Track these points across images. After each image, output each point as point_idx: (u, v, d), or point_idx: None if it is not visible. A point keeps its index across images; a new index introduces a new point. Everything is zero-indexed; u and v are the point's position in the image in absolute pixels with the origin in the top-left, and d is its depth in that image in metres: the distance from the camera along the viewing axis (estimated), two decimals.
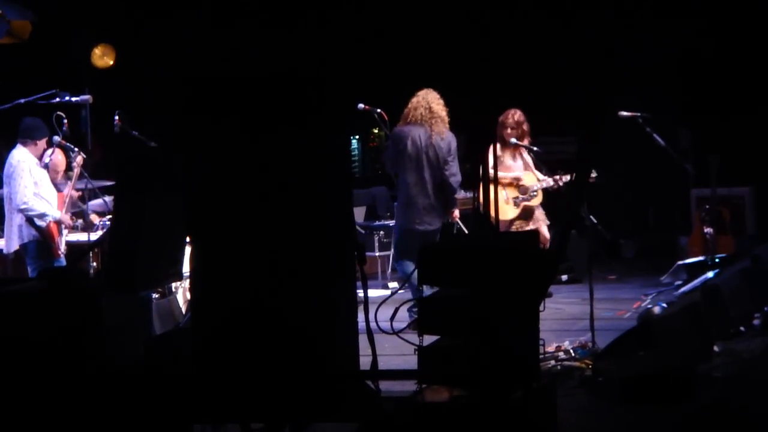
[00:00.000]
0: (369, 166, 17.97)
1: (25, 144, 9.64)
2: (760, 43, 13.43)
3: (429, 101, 9.94)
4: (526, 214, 10.65)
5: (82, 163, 9.75)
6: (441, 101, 9.99)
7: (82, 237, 9.91)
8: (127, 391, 5.79)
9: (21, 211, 9.44)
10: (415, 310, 9.30)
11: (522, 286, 5.87)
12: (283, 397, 5.63)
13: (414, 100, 10.01)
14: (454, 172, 9.90)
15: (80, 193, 10.03)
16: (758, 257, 9.20)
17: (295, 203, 5.65)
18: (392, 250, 11.21)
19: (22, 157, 9.57)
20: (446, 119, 9.96)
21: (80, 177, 9.82)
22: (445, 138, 9.88)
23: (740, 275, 9.03)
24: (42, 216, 9.45)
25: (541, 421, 5.93)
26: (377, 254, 13.17)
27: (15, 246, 9.59)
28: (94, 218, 10.19)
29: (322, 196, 5.67)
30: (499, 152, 10.27)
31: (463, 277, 5.90)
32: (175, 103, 6.01)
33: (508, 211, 10.48)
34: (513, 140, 10.51)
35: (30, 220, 9.46)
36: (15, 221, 9.54)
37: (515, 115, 10.55)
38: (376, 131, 16.93)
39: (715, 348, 8.03)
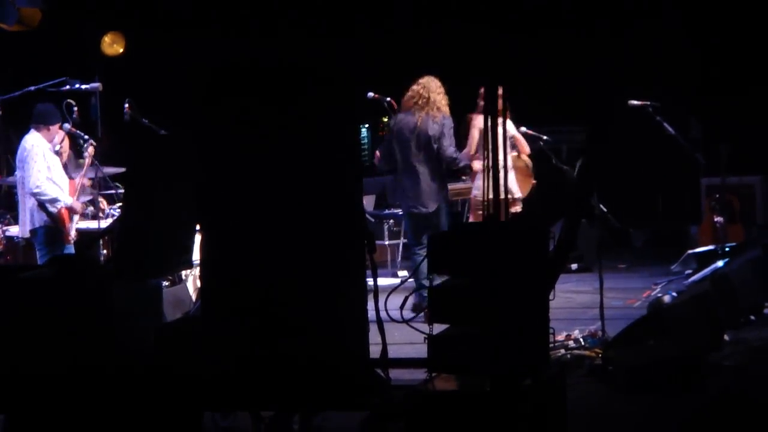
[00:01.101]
0: None
1: (38, 129, 9.64)
2: None
3: (429, 90, 10.08)
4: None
5: (93, 153, 9.77)
6: (441, 89, 10.10)
7: (92, 224, 9.93)
8: (137, 379, 5.80)
9: (33, 194, 9.44)
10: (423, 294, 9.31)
11: (532, 275, 5.86)
12: (292, 386, 5.64)
13: (414, 87, 10.14)
14: (451, 150, 10.05)
15: (92, 181, 10.04)
16: None
17: (306, 192, 5.65)
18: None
19: (35, 141, 9.57)
20: (444, 107, 10.06)
21: (91, 165, 9.84)
22: (437, 121, 10.00)
23: (750, 264, 9.01)
24: (54, 201, 9.45)
25: (550, 410, 5.93)
26: (387, 243, 13.17)
27: (28, 231, 9.60)
28: (104, 204, 10.20)
29: (332, 184, 5.67)
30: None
31: (473, 266, 5.89)
32: (187, 92, 6.01)
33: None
34: (523, 129, 10.49)
35: (41, 205, 9.46)
36: (27, 205, 9.55)
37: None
38: (385, 120, 16.89)
39: (725, 337, 8.02)
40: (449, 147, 9.99)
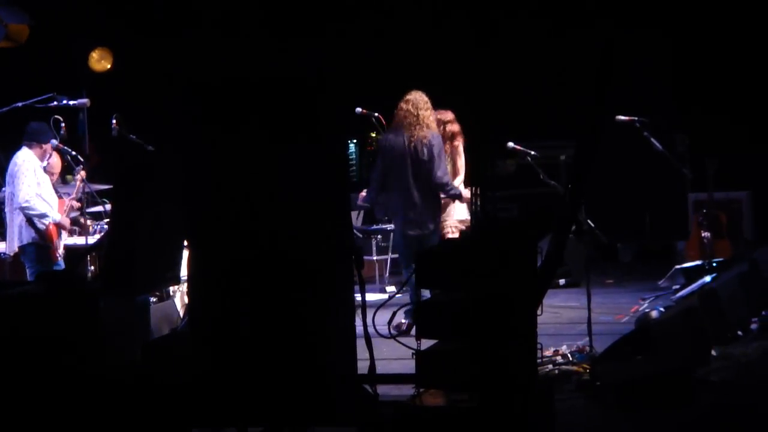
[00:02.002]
0: (366, 170, 17.95)
1: (30, 146, 9.64)
2: (757, 46, 13.44)
3: (418, 107, 9.99)
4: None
5: (84, 177, 9.76)
6: (428, 104, 10.03)
7: (80, 240, 9.91)
8: (125, 395, 5.79)
9: (22, 209, 9.43)
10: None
11: (519, 290, 5.87)
12: (281, 401, 5.63)
13: (403, 106, 10.04)
14: (441, 174, 9.96)
15: (81, 204, 10.01)
16: (756, 261, 9.21)
17: (293, 207, 5.65)
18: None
19: (26, 157, 9.57)
20: (432, 123, 10.01)
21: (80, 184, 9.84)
22: (427, 141, 9.91)
23: (738, 280, 9.03)
24: (42, 216, 9.44)
25: (538, 425, 5.93)
26: (375, 258, 13.17)
27: (16, 247, 9.58)
28: (90, 224, 10.19)
29: (319, 200, 5.67)
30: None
31: (460, 281, 5.90)
32: (174, 107, 6.02)
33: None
34: (511, 144, 10.49)
35: (30, 221, 9.44)
36: (16, 221, 9.53)
37: (438, 115, 10.54)
38: (373, 135, 16.92)
39: (713, 352, 8.03)
40: (438, 170, 9.94)
